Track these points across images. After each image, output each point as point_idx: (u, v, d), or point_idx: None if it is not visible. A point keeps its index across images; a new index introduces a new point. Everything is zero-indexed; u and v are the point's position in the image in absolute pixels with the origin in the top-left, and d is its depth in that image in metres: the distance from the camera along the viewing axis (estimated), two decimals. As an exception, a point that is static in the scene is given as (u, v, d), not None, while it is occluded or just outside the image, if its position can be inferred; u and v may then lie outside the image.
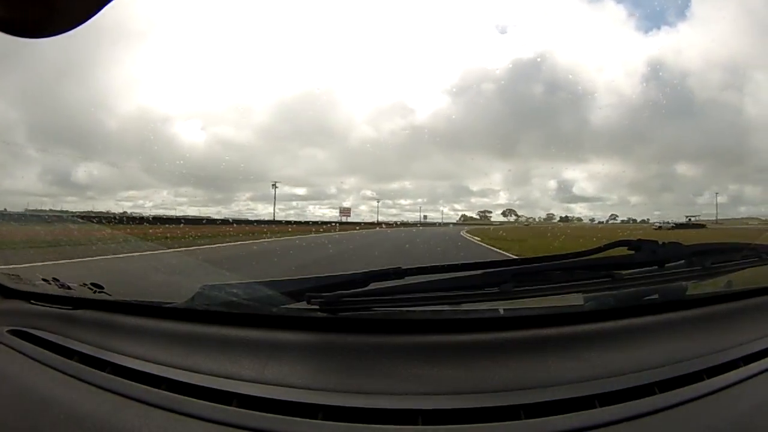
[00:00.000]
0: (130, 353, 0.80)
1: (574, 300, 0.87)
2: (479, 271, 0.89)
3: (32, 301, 1.11)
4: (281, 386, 0.67)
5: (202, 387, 0.67)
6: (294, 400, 0.63)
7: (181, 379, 0.70)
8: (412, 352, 0.74)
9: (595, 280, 0.89)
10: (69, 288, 1.07)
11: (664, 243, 0.97)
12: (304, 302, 0.80)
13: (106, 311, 0.98)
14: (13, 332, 0.97)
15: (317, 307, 0.79)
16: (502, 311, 0.84)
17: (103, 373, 0.75)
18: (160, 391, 0.68)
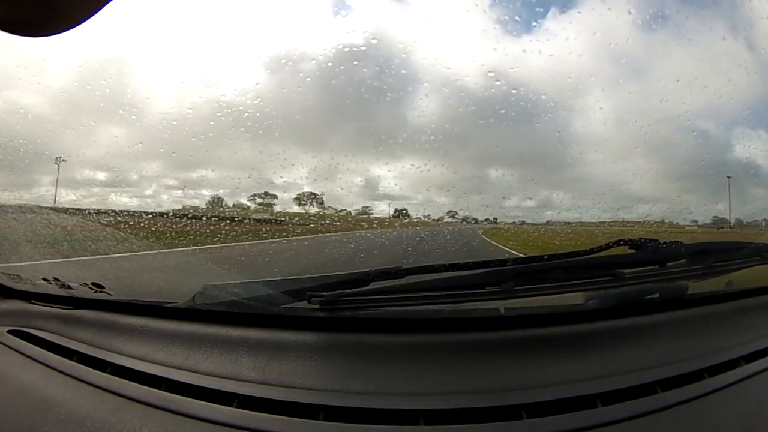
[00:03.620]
0: (130, 353, 0.80)
1: (576, 299, 0.87)
2: (480, 270, 0.89)
3: (32, 301, 1.11)
4: (282, 386, 0.67)
5: (203, 387, 0.67)
6: (295, 400, 0.63)
7: (181, 380, 0.69)
8: (414, 351, 0.74)
9: (596, 279, 0.89)
10: (69, 288, 1.06)
11: (665, 242, 0.97)
12: (305, 302, 0.80)
13: (107, 311, 0.98)
14: (13, 332, 0.97)
15: (318, 306, 0.78)
16: (503, 310, 0.84)
17: (103, 373, 0.75)
18: (161, 391, 0.68)
